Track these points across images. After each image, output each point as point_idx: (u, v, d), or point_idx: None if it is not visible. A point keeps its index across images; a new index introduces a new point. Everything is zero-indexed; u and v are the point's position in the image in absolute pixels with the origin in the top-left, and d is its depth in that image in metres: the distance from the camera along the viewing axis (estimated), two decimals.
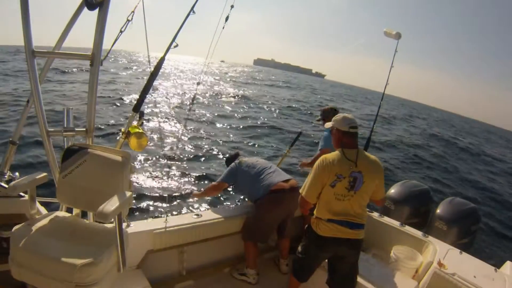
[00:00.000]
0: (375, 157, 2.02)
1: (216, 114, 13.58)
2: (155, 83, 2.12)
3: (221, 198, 5.67)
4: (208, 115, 13.38)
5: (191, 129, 10.42)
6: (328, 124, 2.12)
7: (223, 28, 2.34)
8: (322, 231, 1.96)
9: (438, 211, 3.51)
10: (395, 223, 2.95)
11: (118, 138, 2.08)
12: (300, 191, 2.05)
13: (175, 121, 12.18)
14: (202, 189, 3.01)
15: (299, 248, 2.14)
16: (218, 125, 11.80)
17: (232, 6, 2.34)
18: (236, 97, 20.29)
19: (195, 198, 3.10)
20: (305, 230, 2.13)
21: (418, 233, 2.79)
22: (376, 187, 1.99)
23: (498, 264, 2.50)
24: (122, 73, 26.73)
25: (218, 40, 2.34)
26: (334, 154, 1.97)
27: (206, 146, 8.89)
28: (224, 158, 3.16)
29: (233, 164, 2.81)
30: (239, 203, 5.44)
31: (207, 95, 18.97)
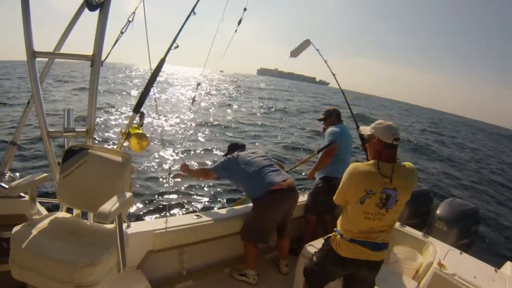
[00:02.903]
0: (411, 166, 1.78)
1: (219, 115, 13.59)
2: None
3: (221, 199, 5.69)
4: (211, 115, 13.41)
5: (192, 129, 10.42)
6: (365, 130, 1.85)
7: (235, 31, 2.32)
8: (343, 252, 1.78)
9: (438, 211, 3.51)
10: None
11: (118, 139, 2.09)
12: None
13: (175, 122, 12.20)
14: (192, 168, 2.82)
15: (314, 258, 1.97)
16: (220, 125, 11.80)
17: (245, 9, 2.30)
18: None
19: (179, 177, 2.82)
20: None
21: (418, 234, 2.79)
22: None
23: (498, 265, 2.49)
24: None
25: (215, 49, 2.27)
26: (367, 166, 1.73)
27: (207, 147, 8.89)
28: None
29: (229, 156, 2.71)
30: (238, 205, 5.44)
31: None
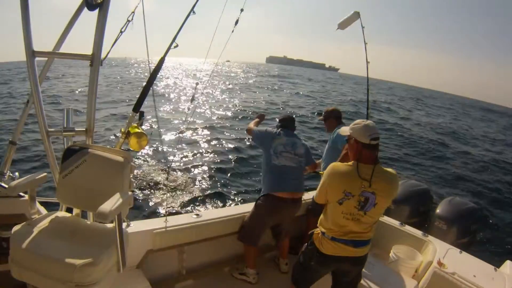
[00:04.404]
0: (393, 172, 1.77)
1: (218, 115, 13.59)
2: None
3: (221, 198, 5.70)
4: (209, 115, 13.40)
5: (191, 128, 10.41)
6: (345, 131, 1.83)
7: (232, 31, 2.35)
8: (325, 249, 1.80)
9: (438, 210, 3.52)
10: (395, 222, 2.95)
11: (118, 138, 2.08)
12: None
13: (175, 121, 12.19)
14: (256, 120, 2.96)
15: (300, 257, 1.99)
16: (219, 125, 11.79)
17: (242, 10, 2.34)
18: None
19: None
20: (307, 238, 1.97)
21: (418, 233, 2.79)
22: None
23: (498, 263, 2.49)
24: None
25: (219, 39, 2.33)
26: (346, 168, 1.73)
27: (206, 145, 8.89)
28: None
29: (270, 130, 2.66)
30: (238, 204, 5.45)
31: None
